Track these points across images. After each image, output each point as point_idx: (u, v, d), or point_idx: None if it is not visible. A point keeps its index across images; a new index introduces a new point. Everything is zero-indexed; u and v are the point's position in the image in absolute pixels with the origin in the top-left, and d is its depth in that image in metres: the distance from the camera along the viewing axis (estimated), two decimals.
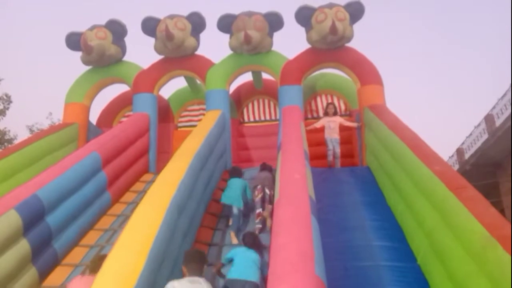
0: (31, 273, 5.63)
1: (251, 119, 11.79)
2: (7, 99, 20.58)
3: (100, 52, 10.33)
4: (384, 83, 9.88)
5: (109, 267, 4.07)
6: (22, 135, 21.64)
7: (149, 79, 10.56)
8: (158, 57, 10.74)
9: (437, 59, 47.52)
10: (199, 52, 10.66)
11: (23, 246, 5.48)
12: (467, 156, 15.99)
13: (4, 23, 43.63)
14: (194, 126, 10.72)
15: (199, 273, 4.19)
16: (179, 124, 12.01)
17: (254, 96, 11.86)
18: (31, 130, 21.33)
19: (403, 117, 8.20)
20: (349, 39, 9.80)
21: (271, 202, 6.61)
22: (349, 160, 9.89)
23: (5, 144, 20.06)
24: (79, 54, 10.62)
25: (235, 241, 6.46)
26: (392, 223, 6.43)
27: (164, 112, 11.50)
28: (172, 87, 12.30)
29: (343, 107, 11.13)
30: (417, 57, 48.36)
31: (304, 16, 9.85)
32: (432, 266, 5.08)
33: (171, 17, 10.27)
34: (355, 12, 9.77)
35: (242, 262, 4.89)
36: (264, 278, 4.92)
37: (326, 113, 9.63)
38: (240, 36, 9.80)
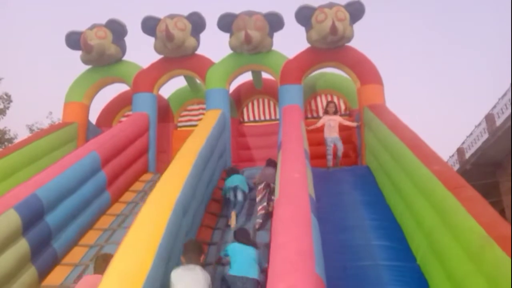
0: (30, 272, 5.62)
1: (251, 118, 11.79)
2: (7, 99, 20.59)
3: (100, 52, 10.32)
4: (384, 83, 9.89)
5: (116, 267, 4.05)
6: (22, 134, 21.61)
7: (149, 78, 10.55)
8: (157, 57, 10.74)
9: (437, 59, 47.56)
10: (199, 51, 10.66)
11: (22, 246, 5.47)
12: (467, 155, 15.96)
13: (4, 22, 43.66)
14: (194, 125, 10.73)
15: (196, 262, 4.51)
16: (179, 124, 12.00)
17: (254, 96, 11.85)
18: (31, 130, 21.33)
19: (403, 117, 8.21)
20: (349, 39, 9.79)
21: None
22: (349, 160, 9.89)
23: (5, 143, 20.06)
24: (79, 53, 10.62)
25: (233, 223, 6.77)
26: (392, 223, 6.43)
27: (164, 111, 11.50)
28: (172, 86, 12.30)
29: (343, 107, 11.12)
30: (417, 57, 48.37)
31: (304, 16, 9.84)
32: (431, 265, 5.07)
33: (171, 17, 10.26)
34: (355, 12, 9.76)
35: (242, 259, 4.94)
36: (263, 271, 5.00)
37: (326, 112, 9.54)
38: (240, 36, 9.80)
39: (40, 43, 45.92)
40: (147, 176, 9.46)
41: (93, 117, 11.51)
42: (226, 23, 10.13)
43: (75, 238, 6.69)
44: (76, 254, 6.48)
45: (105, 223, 7.36)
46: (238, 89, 11.85)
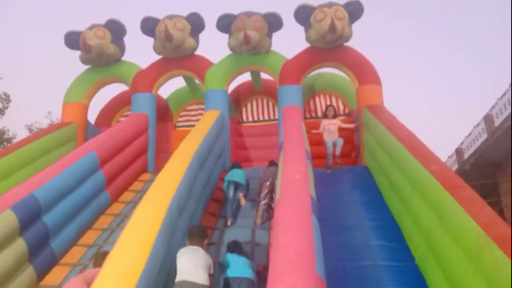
0: (28, 272, 5.62)
1: (250, 118, 11.80)
2: (6, 98, 20.54)
3: (99, 52, 10.32)
4: (382, 83, 9.90)
5: (110, 266, 4.09)
6: (21, 134, 21.56)
7: (148, 78, 10.55)
8: (156, 57, 10.73)
9: (436, 59, 47.58)
10: (198, 52, 10.66)
11: (19, 246, 5.47)
12: (466, 156, 15.98)
13: (3, 22, 43.63)
14: (193, 125, 10.70)
15: (199, 244, 4.91)
16: (178, 124, 12.01)
17: (253, 96, 11.86)
18: (30, 129, 21.28)
19: (402, 117, 8.23)
20: (348, 38, 9.80)
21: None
22: (348, 160, 9.89)
23: (4, 143, 20.03)
24: (78, 53, 10.61)
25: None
26: (390, 223, 6.44)
27: (163, 111, 11.50)
28: (171, 86, 12.31)
29: (341, 107, 11.12)
30: (416, 57, 48.40)
31: (303, 15, 9.85)
32: (429, 265, 5.08)
33: (170, 17, 10.26)
34: (354, 12, 9.78)
35: (236, 263, 5.08)
36: (262, 269, 5.16)
37: (325, 116, 9.36)
38: (239, 36, 9.80)
39: (39, 42, 45.90)
40: (146, 176, 9.46)
41: (92, 117, 11.53)
42: (225, 23, 10.14)
43: (73, 238, 6.69)
44: (75, 254, 6.48)
45: (104, 223, 7.36)
46: (237, 90, 11.85)
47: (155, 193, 5.41)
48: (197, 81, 11.23)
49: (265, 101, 11.84)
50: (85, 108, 10.77)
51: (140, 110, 10.19)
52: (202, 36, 10.62)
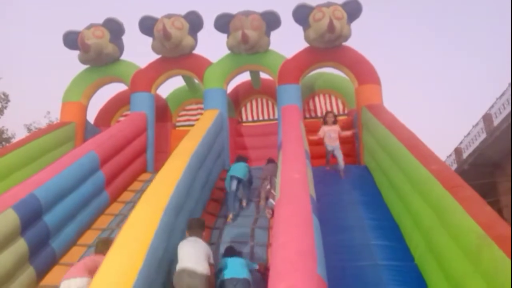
0: (28, 272, 5.62)
1: (249, 118, 11.81)
2: (5, 98, 20.54)
3: (97, 51, 10.31)
4: (382, 83, 9.90)
5: (108, 266, 4.10)
6: (20, 134, 21.58)
7: (147, 78, 10.55)
8: (155, 56, 10.73)
9: (435, 58, 47.60)
10: (197, 51, 10.66)
11: (20, 245, 5.47)
12: (465, 155, 15.99)
13: (3, 22, 43.55)
14: (192, 125, 10.71)
15: (197, 235, 5.13)
16: (177, 124, 12.01)
17: (252, 96, 11.87)
18: (29, 129, 21.29)
19: (401, 116, 8.23)
20: (346, 37, 9.81)
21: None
22: (347, 159, 9.88)
23: (3, 143, 20.02)
24: (77, 53, 10.60)
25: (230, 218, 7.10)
26: (390, 222, 6.45)
27: (162, 111, 11.49)
28: (170, 86, 12.31)
29: (341, 107, 11.13)
30: (415, 56, 48.41)
31: (302, 15, 9.86)
32: (429, 265, 5.09)
33: (169, 16, 10.26)
34: (353, 11, 9.78)
35: (232, 264, 5.11)
36: (263, 269, 5.23)
37: (325, 122, 9.01)
38: (237, 36, 9.80)
39: (39, 42, 45.84)
40: (145, 176, 9.45)
41: (91, 117, 11.52)
42: (223, 23, 10.14)
43: (73, 238, 6.69)
44: (75, 254, 6.47)
45: (103, 223, 7.35)
46: (236, 89, 11.85)
47: (153, 192, 5.45)
48: (196, 81, 11.23)
49: (264, 100, 11.85)
50: (84, 108, 10.76)
51: (139, 110, 10.19)
52: (201, 36, 10.64)
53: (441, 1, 45.95)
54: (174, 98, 12.10)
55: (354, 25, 9.91)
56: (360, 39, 10.72)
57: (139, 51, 11.91)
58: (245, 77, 11.41)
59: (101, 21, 10.57)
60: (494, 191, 14.77)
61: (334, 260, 5.30)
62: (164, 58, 10.60)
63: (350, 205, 7.08)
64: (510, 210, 13.97)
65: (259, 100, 11.88)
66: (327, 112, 9.46)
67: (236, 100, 11.74)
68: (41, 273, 5.86)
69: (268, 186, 7.36)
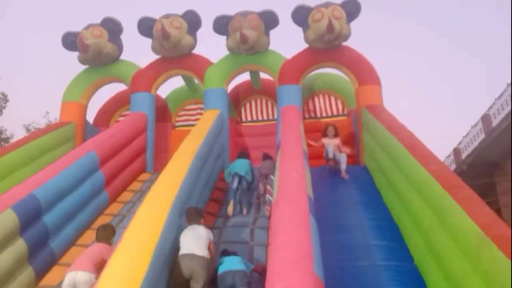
0: (28, 272, 5.61)
1: (249, 118, 11.80)
2: (4, 98, 20.54)
3: (96, 50, 10.32)
4: (382, 82, 9.91)
5: (114, 267, 4.08)
6: (19, 134, 21.60)
7: (147, 78, 10.55)
8: (155, 57, 10.72)
9: (434, 59, 47.64)
10: (197, 52, 10.66)
11: (19, 246, 5.47)
12: (464, 156, 16.01)
13: (2, 22, 43.51)
14: (192, 125, 10.73)
15: (196, 223, 5.35)
16: (177, 124, 12.00)
17: (252, 96, 11.86)
18: (27, 129, 21.28)
19: (400, 117, 8.22)
20: (346, 37, 9.81)
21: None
22: (347, 160, 9.87)
23: (2, 143, 20.00)
24: (76, 53, 10.60)
25: (230, 211, 7.17)
26: (389, 223, 6.45)
27: (162, 111, 11.49)
28: (170, 86, 12.30)
29: (340, 107, 11.13)
30: (414, 57, 48.43)
31: (301, 16, 9.87)
32: (428, 265, 5.09)
33: (167, 16, 10.27)
34: (352, 11, 9.79)
35: (229, 260, 5.16)
36: (261, 270, 5.18)
37: (325, 135, 8.61)
38: (236, 36, 9.81)
39: (39, 42, 45.82)
40: (145, 176, 9.46)
41: (90, 117, 11.51)
42: (222, 25, 10.15)
43: (72, 238, 6.69)
44: (74, 254, 6.43)
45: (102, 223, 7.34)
46: (236, 89, 11.85)
47: (157, 193, 5.45)
48: (196, 81, 11.23)
49: (264, 101, 11.84)
50: (84, 108, 10.76)
51: (139, 110, 10.19)
52: (201, 36, 10.64)
53: (441, 1, 46.00)
54: (174, 98, 12.09)
55: (354, 25, 9.93)
56: (360, 39, 10.72)
57: (139, 51, 11.92)
58: (245, 77, 11.42)
59: (100, 21, 10.57)
60: (493, 191, 14.79)
61: (333, 260, 5.30)
62: (164, 58, 10.60)
63: (349, 205, 7.08)
64: (509, 210, 13.98)
65: (258, 100, 11.88)
66: (327, 126, 8.81)
67: (236, 100, 11.74)
68: (40, 273, 5.86)
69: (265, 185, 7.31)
